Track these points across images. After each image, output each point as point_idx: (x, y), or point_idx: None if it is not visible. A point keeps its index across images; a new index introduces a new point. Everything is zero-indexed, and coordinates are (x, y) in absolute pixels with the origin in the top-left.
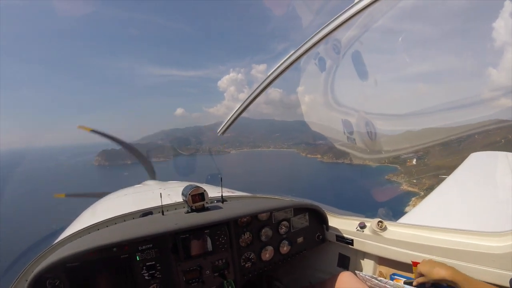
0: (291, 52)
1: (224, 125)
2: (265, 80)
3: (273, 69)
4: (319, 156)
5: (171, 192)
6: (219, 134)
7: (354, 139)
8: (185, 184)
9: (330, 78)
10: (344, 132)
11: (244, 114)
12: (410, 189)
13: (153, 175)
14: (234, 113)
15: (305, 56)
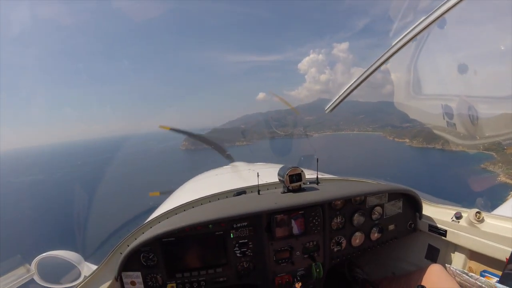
0: (411, 28)
1: (332, 103)
2: (379, 58)
3: (389, 48)
4: (407, 140)
5: (260, 173)
6: (326, 111)
7: (455, 124)
8: (272, 165)
9: (422, 56)
10: (444, 117)
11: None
12: (509, 181)
13: (229, 158)
14: (344, 91)
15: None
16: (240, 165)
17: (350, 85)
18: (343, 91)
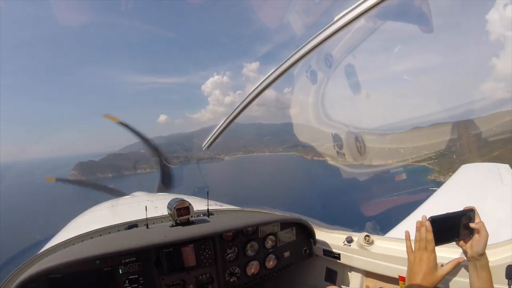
0: (285, 60)
1: (209, 139)
2: (250, 93)
3: (266, 76)
4: (328, 158)
5: (158, 205)
6: (204, 149)
7: (344, 154)
8: (174, 196)
9: (321, 92)
10: (334, 147)
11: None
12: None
13: (168, 184)
14: (220, 126)
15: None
16: (140, 196)
17: (223, 122)
18: (218, 127)
